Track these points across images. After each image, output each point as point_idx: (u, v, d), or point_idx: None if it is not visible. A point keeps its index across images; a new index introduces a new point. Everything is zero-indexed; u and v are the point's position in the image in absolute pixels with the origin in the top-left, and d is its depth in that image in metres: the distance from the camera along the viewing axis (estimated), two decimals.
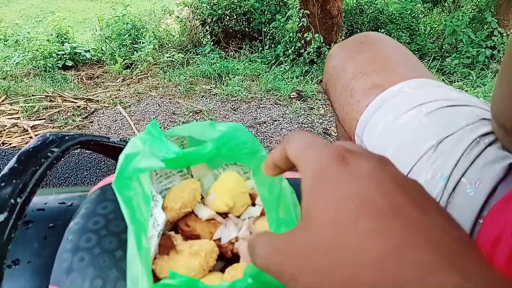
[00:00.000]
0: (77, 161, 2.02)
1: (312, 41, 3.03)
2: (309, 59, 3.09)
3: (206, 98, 2.75)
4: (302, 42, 3.12)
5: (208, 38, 3.56)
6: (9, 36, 4.14)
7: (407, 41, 3.40)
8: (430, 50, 3.42)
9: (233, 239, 0.47)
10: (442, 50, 3.42)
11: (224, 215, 0.51)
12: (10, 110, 2.61)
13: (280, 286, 0.33)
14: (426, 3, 4.04)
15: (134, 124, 2.45)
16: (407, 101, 0.59)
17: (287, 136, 0.30)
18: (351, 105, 0.68)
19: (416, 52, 3.35)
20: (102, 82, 3.15)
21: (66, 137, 0.56)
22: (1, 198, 0.46)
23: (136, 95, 2.82)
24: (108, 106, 2.68)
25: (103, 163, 2.01)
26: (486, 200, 0.44)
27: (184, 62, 3.25)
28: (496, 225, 0.39)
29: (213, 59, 3.23)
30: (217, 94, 2.78)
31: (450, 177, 0.48)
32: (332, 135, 2.28)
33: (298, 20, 3.10)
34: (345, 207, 0.22)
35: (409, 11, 3.60)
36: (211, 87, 2.88)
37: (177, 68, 3.16)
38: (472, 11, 3.77)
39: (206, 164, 0.55)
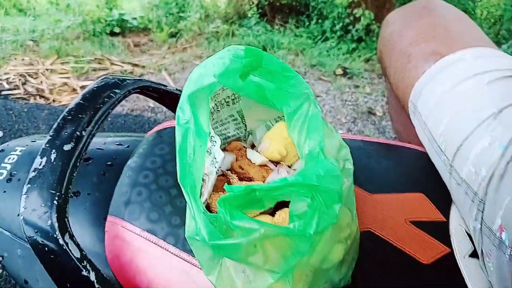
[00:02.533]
0: (123, 121, 2.08)
1: (362, 18, 2.95)
2: (357, 36, 3.01)
3: None
4: (351, 18, 3.03)
5: (254, 11, 3.52)
6: (60, 0, 4.25)
7: None
8: (486, 35, 3.25)
9: None
10: (499, 36, 3.24)
11: (276, 163, 0.52)
12: (61, 69, 2.71)
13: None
14: None
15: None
16: (467, 69, 0.57)
17: None
18: (408, 71, 0.66)
19: None
20: (148, 50, 3.20)
21: (127, 81, 0.58)
22: (68, 130, 0.49)
23: (181, 63, 2.85)
24: (153, 72, 2.73)
25: (147, 125, 2.07)
26: None
27: (229, 33, 3.25)
28: None
29: (258, 31, 3.21)
30: None
31: (509, 145, 0.47)
32: (376, 114, 2.24)
33: None
34: None
35: None
36: None
37: (222, 39, 3.17)
38: None
39: (260, 114, 0.56)
